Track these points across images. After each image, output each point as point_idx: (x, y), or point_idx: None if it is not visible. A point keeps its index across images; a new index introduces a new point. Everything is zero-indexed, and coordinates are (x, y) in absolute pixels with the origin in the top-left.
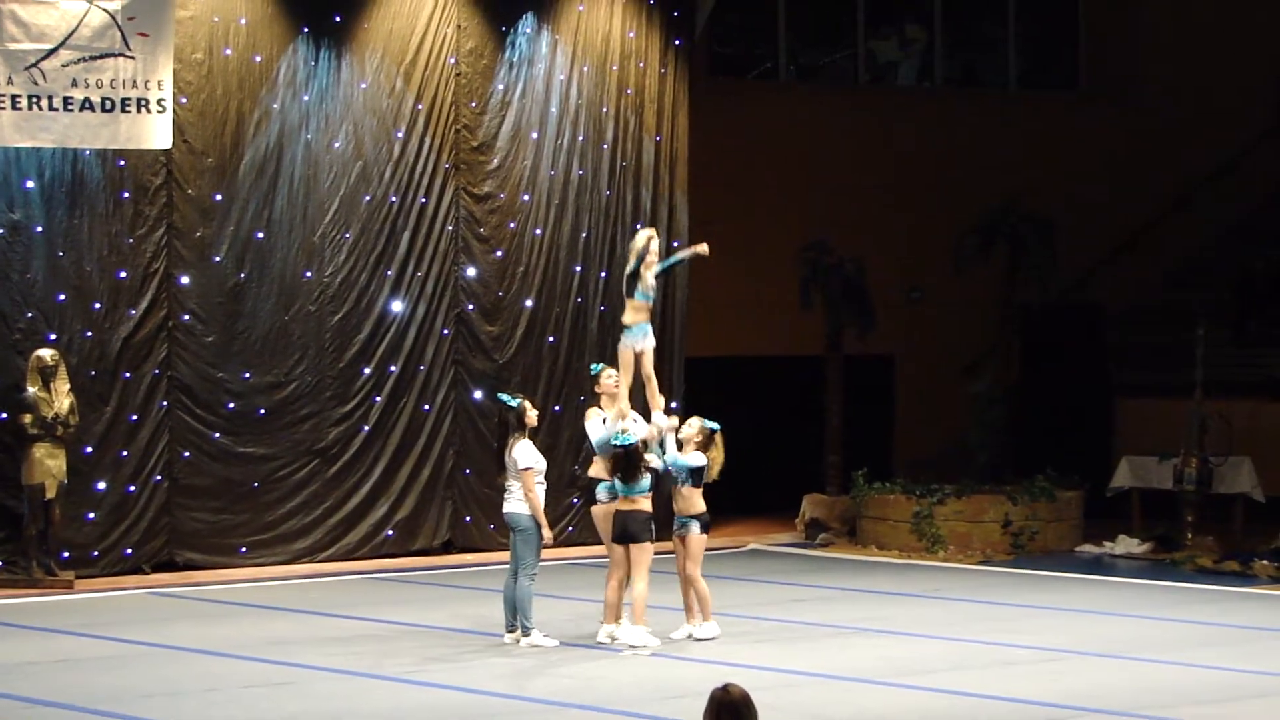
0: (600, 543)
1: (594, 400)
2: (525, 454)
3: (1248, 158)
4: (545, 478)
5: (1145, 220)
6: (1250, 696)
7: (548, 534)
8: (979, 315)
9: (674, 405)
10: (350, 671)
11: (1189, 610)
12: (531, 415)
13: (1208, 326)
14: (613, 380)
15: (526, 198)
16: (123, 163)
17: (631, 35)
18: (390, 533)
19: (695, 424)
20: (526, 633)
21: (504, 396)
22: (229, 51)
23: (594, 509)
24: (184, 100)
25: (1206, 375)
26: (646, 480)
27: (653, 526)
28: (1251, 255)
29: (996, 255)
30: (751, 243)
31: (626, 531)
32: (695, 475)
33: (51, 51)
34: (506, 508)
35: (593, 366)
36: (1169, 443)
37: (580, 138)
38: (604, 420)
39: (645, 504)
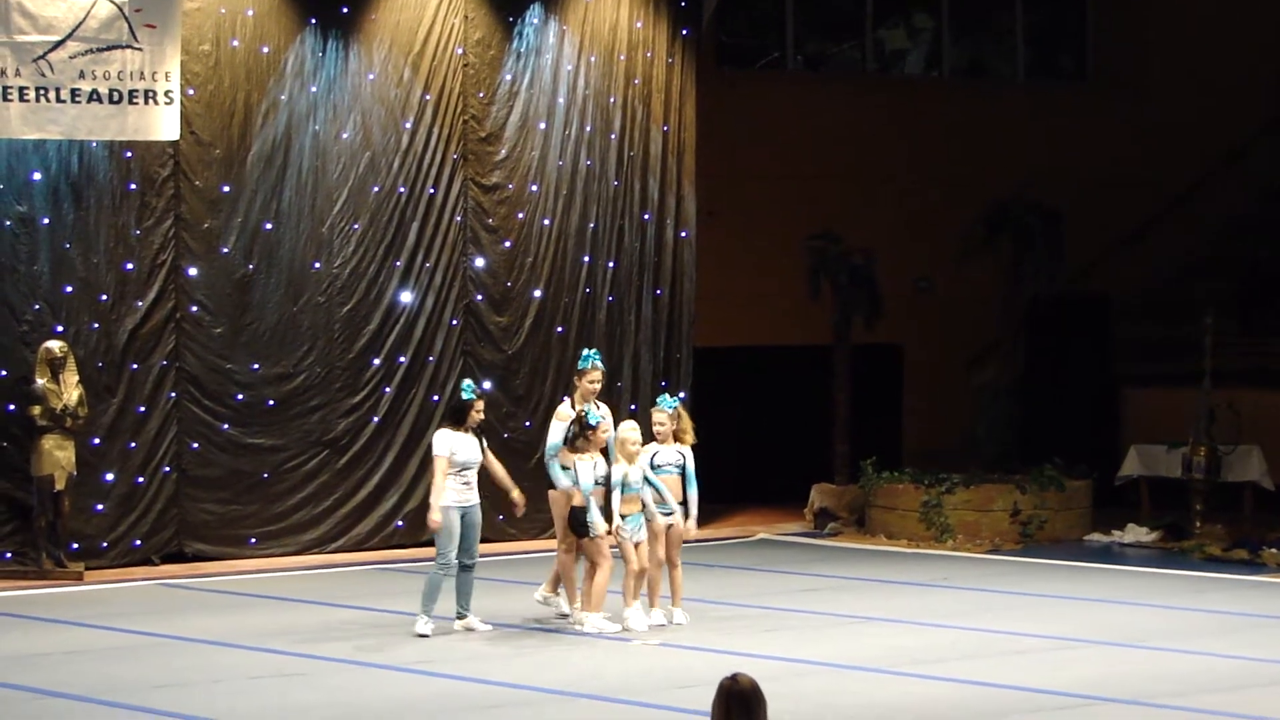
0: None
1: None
2: (438, 442)
3: (1254, 148)
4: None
5: (1152, 211)
6: (1260, 684)
7: (433, 516)
8: (987, 305)
9: (682, 395)
10: (360, 662)
11: (1198, 599)
12: (475, 416)
13: (1215, 316)
14: (596, 386)
15: (534, 188)
16: (130, 154)
17: (639, 25)
18: (400, 524)
19: (659, 415)
20: (422, 616)
21: (466, 385)
22: (236, 43)
23: (552, 493)
24: (191, 91)
25: (1213, 365)
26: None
27: (589, 519)
28: (1258, 245)
29: (1003, 245)
30: (759, 233)
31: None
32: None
33: (59, 43)
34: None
35: (584, 355)
36: (1176, 432)
37: (588, 128)
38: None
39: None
